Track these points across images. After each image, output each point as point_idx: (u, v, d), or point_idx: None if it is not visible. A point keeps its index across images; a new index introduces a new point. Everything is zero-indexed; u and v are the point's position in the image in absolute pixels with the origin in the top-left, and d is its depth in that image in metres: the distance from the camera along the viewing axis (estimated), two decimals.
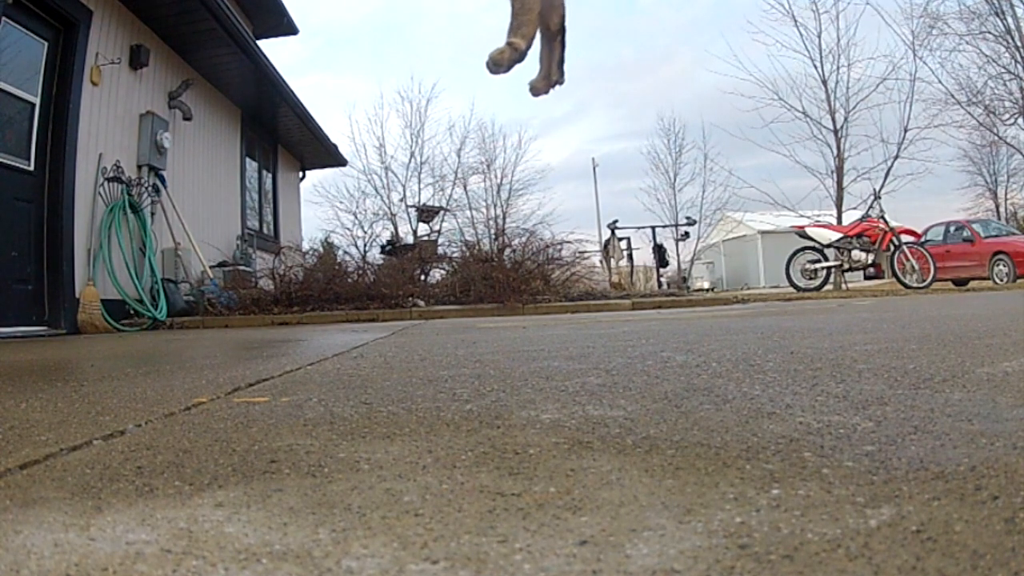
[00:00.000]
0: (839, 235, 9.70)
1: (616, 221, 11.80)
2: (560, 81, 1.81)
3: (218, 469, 0.78)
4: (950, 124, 13.76)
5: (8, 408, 1.29)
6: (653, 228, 13.00)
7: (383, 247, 10.62)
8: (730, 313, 4.68)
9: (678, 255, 20.55)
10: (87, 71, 5.31)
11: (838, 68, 13.23)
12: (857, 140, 13.37)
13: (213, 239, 7.31)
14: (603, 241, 12.37)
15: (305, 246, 10.49)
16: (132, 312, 5.61)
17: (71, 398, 1.39)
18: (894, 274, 8.95)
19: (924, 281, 8.81)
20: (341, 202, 17.80)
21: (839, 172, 13.12)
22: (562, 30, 1.74)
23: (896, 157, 13.09)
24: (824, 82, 13.27)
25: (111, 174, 5.62)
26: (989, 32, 13.51)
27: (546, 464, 0.75)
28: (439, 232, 13.78)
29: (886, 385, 1.15)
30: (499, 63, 1.59)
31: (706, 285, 26.34)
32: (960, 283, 12.95)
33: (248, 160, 8.94)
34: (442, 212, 14.63)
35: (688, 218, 17.49)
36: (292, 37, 11.10)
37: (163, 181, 6.36)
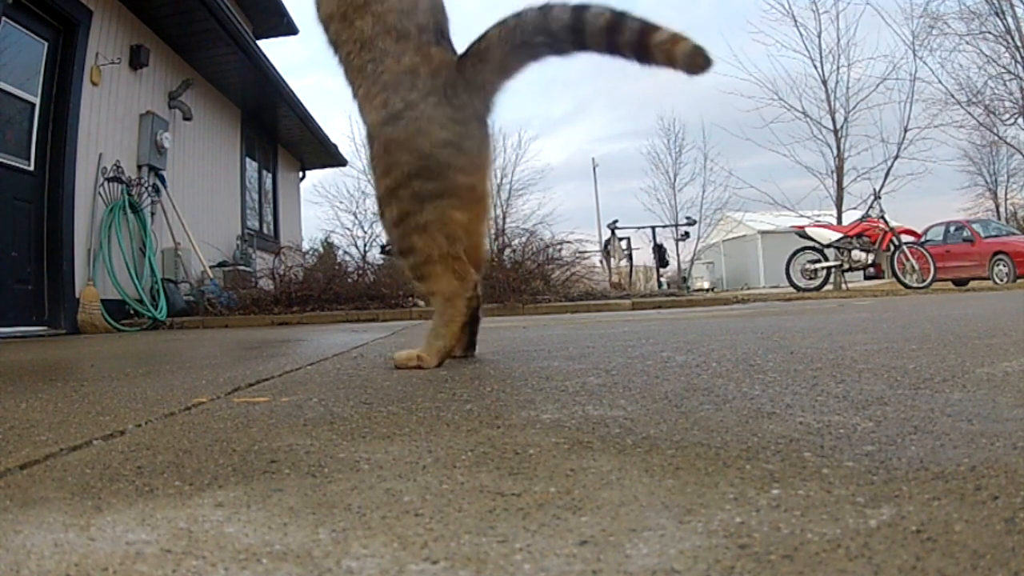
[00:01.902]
0: (839, 235, 9.70)
1: (616, 221, 11.80)
2: (469, 355, 1.89)
3: (218, 469, 0.78)
4: (950, 124, 13.79)
5: (8, 408, 1.29)
6: (653, 228, 12.99)
7: (383, 247, 10.60)
8: (730, 313, 4.68)
9: (678, 255, 20.56)
10: (87, 71, 5.31)
11: (838, 68, 13.26)
12: (857, 140, 13.40)
13: (213, 239, 7.31)
14: (603, 241, 12.37)
15: (305, 246, 10.50)
16: (132, 312, 5.61)
17: (71, 398, 1.39)
18: (894, 274, 8.95)
19: (924, 281, 8.81)
20: (341, 202, 17.81)
21: (839, 172, 13.12)
22: (473, 321, 1.81)
23: (896, 157, 13.10)
24: (824, 82, 13.29)
25: (111, 174, 5.62)
26: (989, 32, 13.52)
27: (546, 464, 0.75)
28: None
29: (886, 385, 1.15)
30: (400, 366, 1.70)
31: (706, 285, 26.34)
32: (960, 283, 12.95)
33: (248, 160, 8.93)
34: None
35: (688, 218, 17.48)
36: (292, 37, 11.09)
37: (163, 181, 6.36)
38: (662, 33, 1.46)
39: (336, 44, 1.79)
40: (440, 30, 1.78)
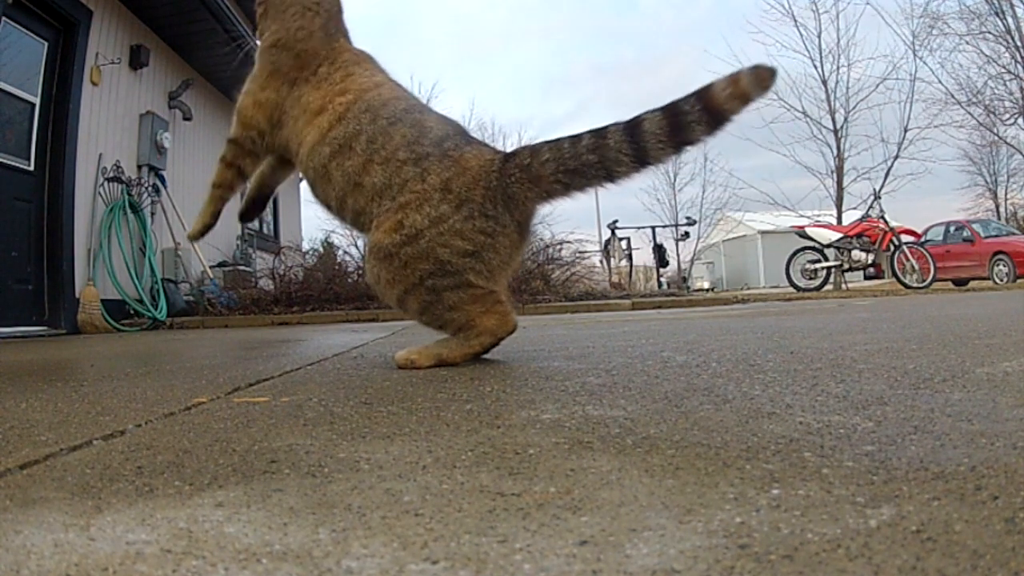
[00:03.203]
0: (839, 235, 9.71)
1: (616, 221, 11.81)
2: None
3: (218, 469, 0.78)
4: (950, 124, 13.83)
5: (8, 408, 1.30)
6: (653, 228, 13.00)
7: None
8: (730, 313, 4.68)
9: (678, 255, 20.57)
10: (87, 71, 5.31)
11: (838, 68, 13.30)
12: (857, 140, 13.46)
13: (213, 239, 7.26)
14: (603, 241, 12.38)
15: (305, 246, 10.50)
16: (132, 312, 5.62)
17: (71, 398, 1.39)
18: (894, 274, 8.96)
19: (924, 281, 8.82)
20: None
21: (839, 172, 13.15)
22: None
23: (896, 157, 13.14)
24: (824, 82, 13.32)
25: (111, 174, 5.62)
26: (989, 32, 13.55)
27: (546, 464, 0.75)
28: None
29: (886, 385, 1.15)
30: (401, 366, 1.66)
31: (706, 285, 26.35)
32: (960, 283, 12.95)
33: None
34: None
35: (688, 218, 17.49)
36: None
37: (163, 181, 6.36)
38: (720, 83, 1.39)
39: (350, 213, 1.76)
40: (461, 132, 1.73)
